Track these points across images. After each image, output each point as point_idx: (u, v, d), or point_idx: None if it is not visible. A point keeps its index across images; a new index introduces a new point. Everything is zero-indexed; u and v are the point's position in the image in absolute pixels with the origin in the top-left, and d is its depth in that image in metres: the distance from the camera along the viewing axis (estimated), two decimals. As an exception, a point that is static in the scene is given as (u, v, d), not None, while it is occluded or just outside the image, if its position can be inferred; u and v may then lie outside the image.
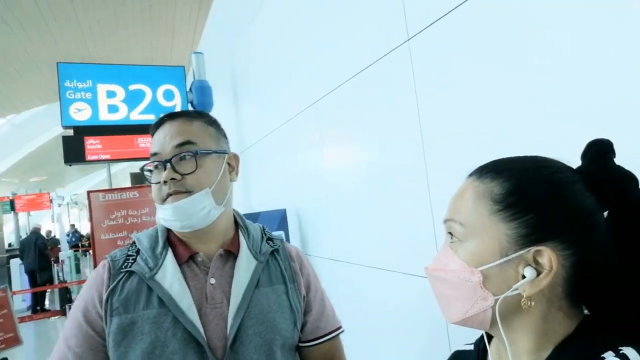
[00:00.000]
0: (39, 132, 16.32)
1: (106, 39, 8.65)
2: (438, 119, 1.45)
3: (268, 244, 0.94)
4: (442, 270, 0.57)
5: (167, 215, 0.84)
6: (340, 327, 0.99)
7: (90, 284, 0.84)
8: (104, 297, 0.80)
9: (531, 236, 0.51)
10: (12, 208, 14.35)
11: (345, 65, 2.08)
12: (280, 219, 2.87)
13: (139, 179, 13.95)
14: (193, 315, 0.79)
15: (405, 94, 1.60)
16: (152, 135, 0.90)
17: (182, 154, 0.84)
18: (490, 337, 0.65)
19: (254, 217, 2.78)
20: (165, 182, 0.83)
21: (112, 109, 3.78)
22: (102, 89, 3.75)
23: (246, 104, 4.41)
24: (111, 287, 0.81)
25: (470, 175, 0.59)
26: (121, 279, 0.82)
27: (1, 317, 2.42)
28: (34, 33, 8.48)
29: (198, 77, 4.16)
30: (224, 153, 0.92)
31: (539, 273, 0.51)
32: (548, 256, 0.50)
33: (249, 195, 4.44)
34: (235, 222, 0.96)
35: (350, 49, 2.04)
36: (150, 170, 0.90)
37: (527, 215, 0.51)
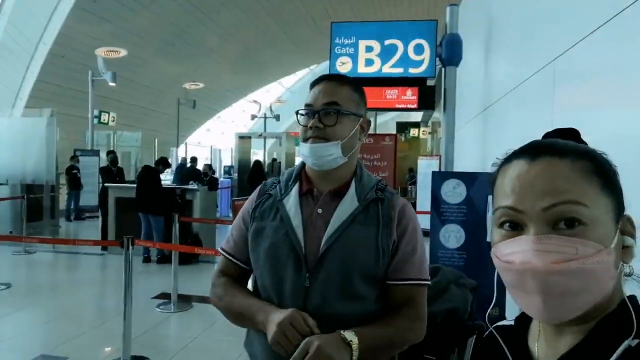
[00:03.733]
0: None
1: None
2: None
3: (376, 193, 1.10)
4: (574, 259, 0.50)
5: (305, 152, 1.10)
6: (425, 280, 1.10)
7: (251, 197, 1.20)
8: (252, 208, 1.16)
9: (621, 207, 0.56)
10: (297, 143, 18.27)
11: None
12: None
13: (401, 128, 14.90)
14: (299, 232, 1.07)
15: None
16: (310, 89, 1.13)
17: (328, 110, 1.08)
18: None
19: (470, 177, 2.76)
20: (310, 127, 1.07)
21: (368, 62, 4.24)
22: (362, 44, 4.24)
23: (497, 58, 4.15)
24: (257, 202, 1.16)
25: (538, 157, 0.55)
26: (264, 198, 1.16)
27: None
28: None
29: (450, 30, 4.15)
30: (360, 117, 1.12)
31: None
32: (632, 222, 0.55)
33: (486, 154, 4.29)
34: (355, 171, 1.15)
35: None
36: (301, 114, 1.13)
37: (617, 188, 0.56)
